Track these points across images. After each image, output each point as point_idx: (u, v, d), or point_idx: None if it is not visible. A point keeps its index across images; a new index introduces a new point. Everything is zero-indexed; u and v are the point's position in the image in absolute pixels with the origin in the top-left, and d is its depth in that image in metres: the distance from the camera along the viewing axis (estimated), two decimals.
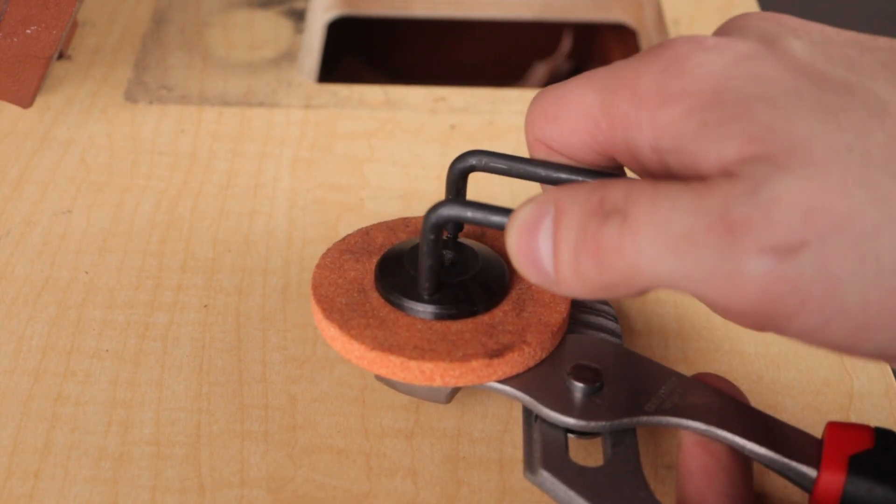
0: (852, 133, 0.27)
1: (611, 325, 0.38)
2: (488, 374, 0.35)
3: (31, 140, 0.50)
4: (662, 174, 0.31)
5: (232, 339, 0.41)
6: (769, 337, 0.41)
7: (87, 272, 0.43)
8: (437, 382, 0.35)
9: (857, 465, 0.31)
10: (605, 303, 0.39)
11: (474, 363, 0.35)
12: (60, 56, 0.55)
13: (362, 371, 0.39)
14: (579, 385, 0.35)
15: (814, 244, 0.26)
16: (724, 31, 0.32)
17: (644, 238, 0.28)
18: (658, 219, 0.27)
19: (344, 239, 0.39)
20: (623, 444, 0.34)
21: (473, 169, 0.36)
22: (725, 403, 0.34)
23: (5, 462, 0.36)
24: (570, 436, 0.35)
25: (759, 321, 0.27)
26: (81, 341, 0.41)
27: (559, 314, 0.36)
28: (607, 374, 0.35)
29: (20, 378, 0.39)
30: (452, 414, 0.38)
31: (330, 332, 0.36)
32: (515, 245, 0.31)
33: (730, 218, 0.26)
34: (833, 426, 0.33)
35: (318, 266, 0.38)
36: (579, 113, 0.32)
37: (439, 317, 0.36)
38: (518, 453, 0.37)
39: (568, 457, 0.34)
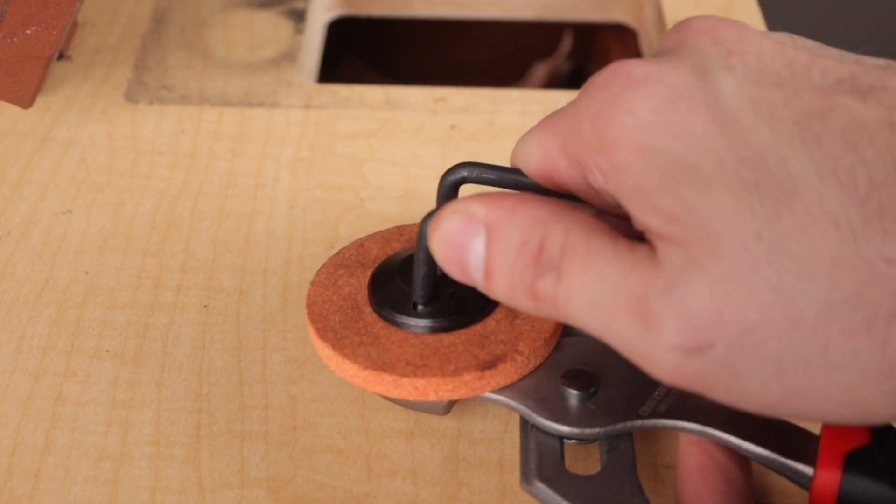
0: (763, 218, 0.27)
1: None
2: (482, 386, 0.35)
3: (31, 140, 0.50)
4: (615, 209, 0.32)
5: (232, 339, 0.41)
6: None
7: (87, 272, 0.43)
8: (432, 397, 0.35)
9: (853, 462, 0.31)
10: None
11: (466, 377, 0.35)
12: (60, 56, 0.55)
13: None
14: (573, 391, 0.35)
15: (720, 346, 0.28)
16: (664, 45, 0.33)
17: (576, 299, 0.30)
18: (587, 287, 0.30)
19: (339, 252, 0.40)
20: (618, 449, 0.34)
21: (465, 181, 0.36)
22: (720, 404, 0.34)
23: (5, 462, 0.36)
24: (570, 441, 0.35)
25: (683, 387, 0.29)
26: (81, 341, 0.41)
27: (553, 321, 0.36)
28: (602, 378, 0.35)
29: (20, 378, 0.39)
30: (452, 414, 0.38)
31: (324, 352, 0.36)
32: (441, 254, 0.33)
33: (647, 308, 0.28)
34: None
35: (312, 283, 0.38)
36: (541, 157, 0.33)
37: (432, 330, 0.36)
38: (518, 454, 0.37)
39: (563, 466, 0.34)
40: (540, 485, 0.33)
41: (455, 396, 0.35)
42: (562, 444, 0.34)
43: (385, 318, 0.36)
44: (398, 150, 0.50)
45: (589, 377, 0.35)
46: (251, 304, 0.42)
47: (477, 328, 0.36)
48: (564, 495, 0.33)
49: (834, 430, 0.32)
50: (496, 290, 0.32)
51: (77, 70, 0.54)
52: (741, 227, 0.28)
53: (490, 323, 0.36)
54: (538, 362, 0.36)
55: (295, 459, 0.37)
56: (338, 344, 0.36)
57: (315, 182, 0.48)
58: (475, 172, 0.36)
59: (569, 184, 0.32)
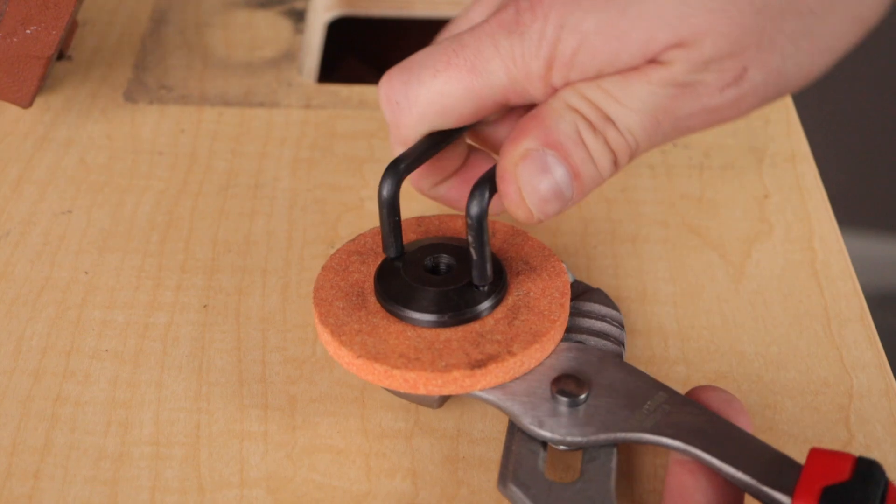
0: None
1: (615, 332, 0.38)
2: (471, 384, 0.35)
3: (31, 140, 0.50)
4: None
5: (231, 339, 0.41)
6: (769, 337, 0.41)
7: (87, 272, 0.43)
8: (421, 391, 0.35)
9: (831, 497, 0.31)
10: (614, 308, 0.39)
11: (456, 373, 0.35)
12: (60, 56, 0.55)
13: None
14: (562, 398, 0.35)
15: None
16: None
17: (631, 116, 0.35)
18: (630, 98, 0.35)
19: (355, 239, 0.40)
20: (598, 459, 0.34)
21: (399, 182, 0.37)
22: (710, 422, 0.34)
23: (5, 462, 0.36)
24: (559, 447, 0.35)
25: None
26: (81, 341, 0.41)
27: (551, 323, 0.36)
28: (594, 387, 0.35)
29: (20, 378, 0.39)
30: (452, 414, 0.38)
31: (324, 337, 0.36)
32: (536, 205, 0.36)
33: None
34: (815, 453, 0.32)
35: (323, 268, 0.38)
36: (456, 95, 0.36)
37: (431, 324, 0.36)
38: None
39: (539, 471, 0.34)
40: (513, 488, 0.33)
41: (444, 392, 0.35)
42: (545, 448, 0.34)
43: (387, 309, 0.37)
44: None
45: (580, 384, 0.35)
46: (251, 303, 0.42)
47: (475, 326, 0.36)
48: (536, 501, 0.33)
49: (817, 461, 0.32)
50: (587, 181, 0.36)
51: (77, 70, 0.54)
52: None
53: (489, 321, 0.36)
54: (532, 365, 0.36)
55: (294, 459, 0.37)
56: (337, 330, 0.36)
57: (315, 182, 0.48)
58: (403, 167, 0.37)
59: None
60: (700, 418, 0.34)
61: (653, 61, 0.34)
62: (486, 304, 0.36)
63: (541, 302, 0.37)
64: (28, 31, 0.46)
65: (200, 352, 0.40)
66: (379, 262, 0.38)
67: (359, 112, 0.52)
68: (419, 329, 0.36)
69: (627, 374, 0.36)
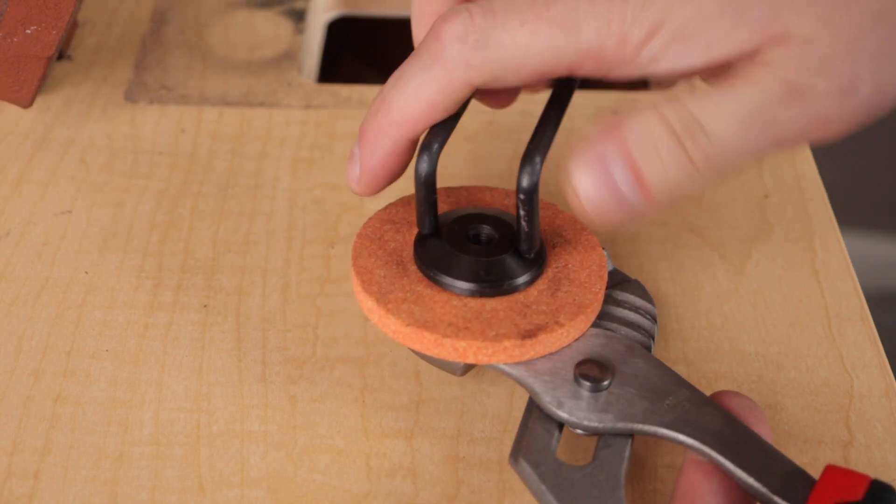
0: None
1: (647, 324, 0.38)
2: (521, 354, 0.35)
3: (31, 140, 0.50)
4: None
5: (232, 339, 0.41)
6: (769, 337, 0.41)
7: (87, 272, 0.43)
8: (471, 360, 0.35)
9: None
10: (649, 300, 0.39)
11: (506, 343, 0.35)
12: (60, 56, 0.55)
13: (362, 371, 0.39)
14: (585, 382, 0.35)
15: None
16: None
17: (723, 122, 0.32)
18: (731, 113, 0.32)
19: (386, 208, 0.40)
20: (612, 447, 0.34)
21: (437, 155, 0.36)
22: (729, 426, 0.34)
23: (5, 462, 0.36)
24: (577, 431, 0.35)
25: None
26: (81, 341, 0.41)
27: (594, 295, 0.36)
28: (618, 375, 0.35)
29: (20, 378, 0.39)
30: (452, 414, 0.38)
31: (367, 305, 0.36)
32: (595, 208, 0.34)
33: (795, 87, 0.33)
34: (830, 470, 0.32)
35: (358, 235, 0.38)
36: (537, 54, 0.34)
37: (475, 294, 0.36)
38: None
39: (552, 451, 0.34)
40: (524, 464, 0.33)
41: (493, 361, 0.35)
42: (560, 430, 0.35)
43: (429, 278, 0.37)
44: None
45: (603, 370, 0.35)
46: (251, 303, 0.42)
47: (519, 296, 0.36)
48: (543, 478, 0.33)
49: (831, 478, 0.32)
50: (659, 194, 0.33)
51: (77, 70, 0.54)
52: None
53: (532, 292, 0.36)
54: (577, 336, 0.36)
55: (294, 459, 0.37)
56: (382, 298, 0.36)
57: (315, 182, 0.48)
58: (440, 139, 0.36)
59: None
60: (720, 420, 0.34)
61: (759, 62, 0.32)
62: (528, 276, 0.36)
63: (580, 274, 0.37)
64: (28, 31, 0.46)
65: (201, 351, 0.40)
66: (413, 232, 0.38)
67: (359, 112, 0.52)
68: (464, 298, 0.36)
69: (653, 368, 0.36)
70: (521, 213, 0.36)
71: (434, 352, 0.35)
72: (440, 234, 0.37)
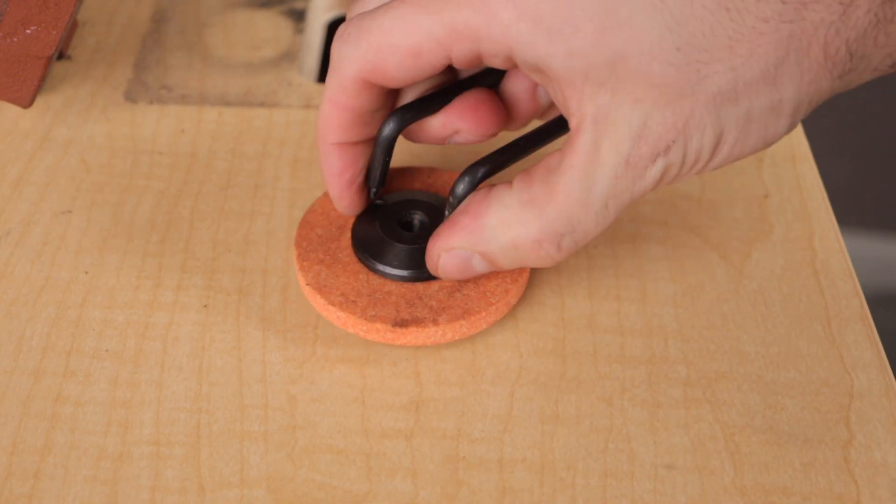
0: None
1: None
2: (392, 339, 0.38)
3: (31, 140, 0.50)
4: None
5: (232, 339, 0.41)
6: (769, 337, 0.41)
7: (87, 272, 0.43)
8: (350, 331, 0.38)
9: None
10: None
11: (378, 325, 0.37)
12: (60, 56, 0.55)
13: (362, 371, 0.39)
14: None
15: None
16: None
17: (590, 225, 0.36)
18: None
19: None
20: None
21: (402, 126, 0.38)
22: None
23: (5, 462, 0.36)
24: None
25: None
26: (81, 341, 0.41)
27: (487, 305, 0.38)
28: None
29: (20, 378, 0.39)
30: (452, 414, 0.38)
31: (293, 255, 0.40)
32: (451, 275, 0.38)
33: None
34: None
35: (324, 194, 0.42)
36: (420, 37, 0.35)
37: (384, 275, 0.39)
38: (518, 453, 0.37)
39: None
40: None
41: (368, 338, 0.38)
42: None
43: (353, 248, 0.40)
44: (397, 150, 0.50)
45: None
46: (251, 303, 0.42)
47: (419, 287, 0.39)
48: None
49: None
50: (505, 265, 0.37)
51: (77, 70, 0.54)
52: None
53: (433, 286, 0.39)
54: (454, 338, 0.38)
55: (295, 459, 0.37)
56: (301, 254, 0.40)
57: (315, 182, 0.48)
58: (409, 116, 0.38)
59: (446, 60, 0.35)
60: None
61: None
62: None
63: (490, 282, 0.38)
64: (28, 31, 0.46)
65: (200, 351, 0.40)
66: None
67: None
68: (371, 275, 0.39)
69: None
70: (448, 213, 0.38)
71: (323, 314, 0.38)
72: (383, 211, 0.40)
